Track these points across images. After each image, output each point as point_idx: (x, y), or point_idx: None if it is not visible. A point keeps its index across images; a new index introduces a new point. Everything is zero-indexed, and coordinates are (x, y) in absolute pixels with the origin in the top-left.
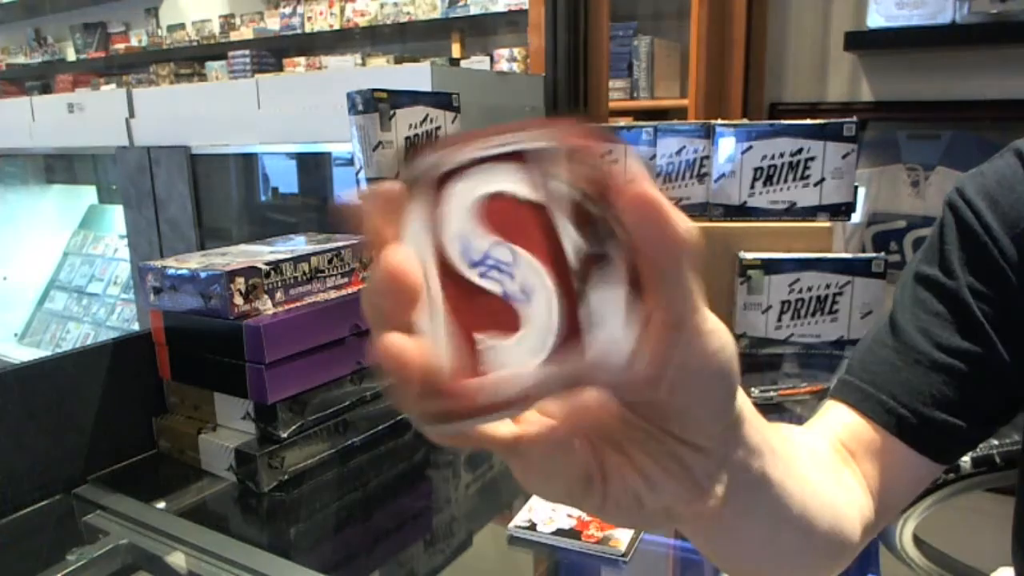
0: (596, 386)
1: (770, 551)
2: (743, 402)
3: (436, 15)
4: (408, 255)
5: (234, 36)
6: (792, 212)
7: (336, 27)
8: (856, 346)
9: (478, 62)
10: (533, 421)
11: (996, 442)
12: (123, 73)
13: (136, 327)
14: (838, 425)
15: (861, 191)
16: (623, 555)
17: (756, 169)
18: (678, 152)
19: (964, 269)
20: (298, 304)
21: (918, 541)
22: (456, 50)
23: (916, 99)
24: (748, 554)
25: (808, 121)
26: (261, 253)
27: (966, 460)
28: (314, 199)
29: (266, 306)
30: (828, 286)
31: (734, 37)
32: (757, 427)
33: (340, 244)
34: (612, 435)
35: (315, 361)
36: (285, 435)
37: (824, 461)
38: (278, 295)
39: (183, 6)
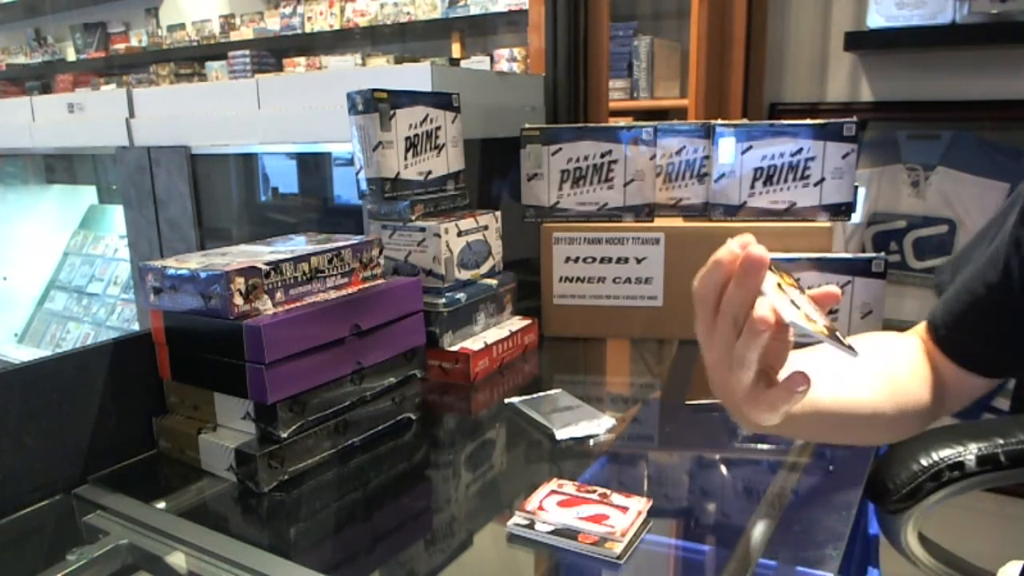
0: None
1: (841, 436)
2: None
3: (436, 15)
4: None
5: (234, 36)
6: (792, 212)
7: (336, 27)
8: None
9: (478, 62)
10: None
11: (1001, 441)
12: (123, 73)
13: (136, 327)
14: (921, 329)
15: (861, 191)
16: (617, 557)
17: (756, 169)
18: (678, 152)
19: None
20: (298, 304)
21: (923, 539)
22: (456, 50)
23: (916, 99)
24: (823, 435)
25: (808, 121)
26: (261, 253)
27: (971, 459)
28: (314, 199)
29: (266, 306)
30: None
31: (734, 37)
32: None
33: (340, 244)
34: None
35: (315, 361)
36: (285, 435)
37: (900, 362)
38: (278, 295)
39: (183, 6)
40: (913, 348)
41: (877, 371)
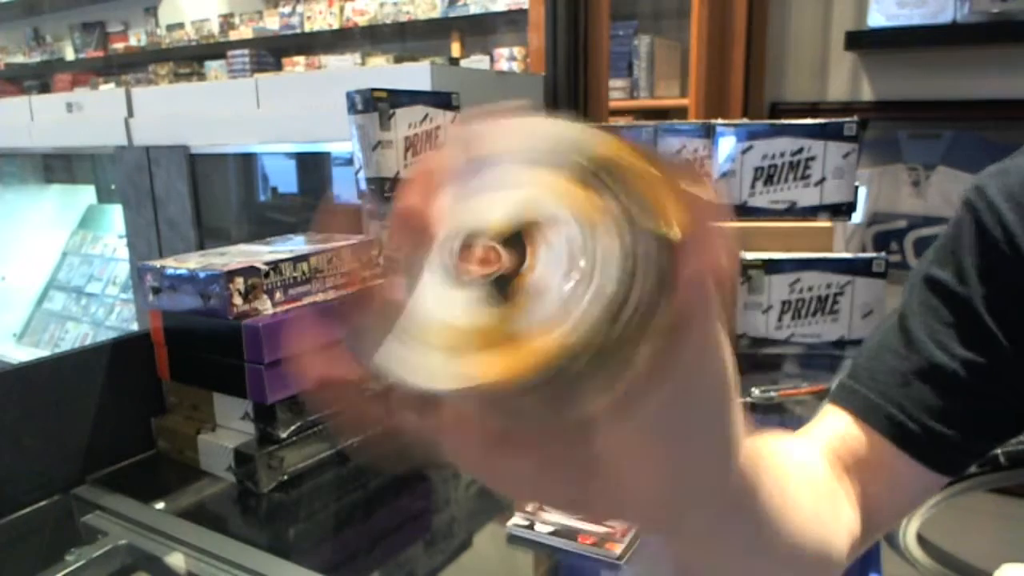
0: None
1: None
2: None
3: (436, 14)
4: None
5: (233, 35)
6: (793, 212)
7: (335, 27)
8: (861, 347)
9: (478, 61)
10: None
11: None
12: (122, 72)
13: (135, 327)
14: (836, 434)
15: (862, 191)
16: (618, 558)
17: (756, 169)
18: (678, 152)
19: (979, 277)
20: (297, 304)
21: (921, 540)
22: (456, 49)
23: (917, 99)
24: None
25: (809, 121)
26: (260, 253)
27: None
28: (314, 199)
29: (265, 306)
30: (829, 286)
31: (735, 36)
32: (749, 462)
33: (340, 244)
34: None
35: None
36: (284, 435)
37: (818, 482)
38: (277, 295)
39: (182, 5)
40: (825, 477)
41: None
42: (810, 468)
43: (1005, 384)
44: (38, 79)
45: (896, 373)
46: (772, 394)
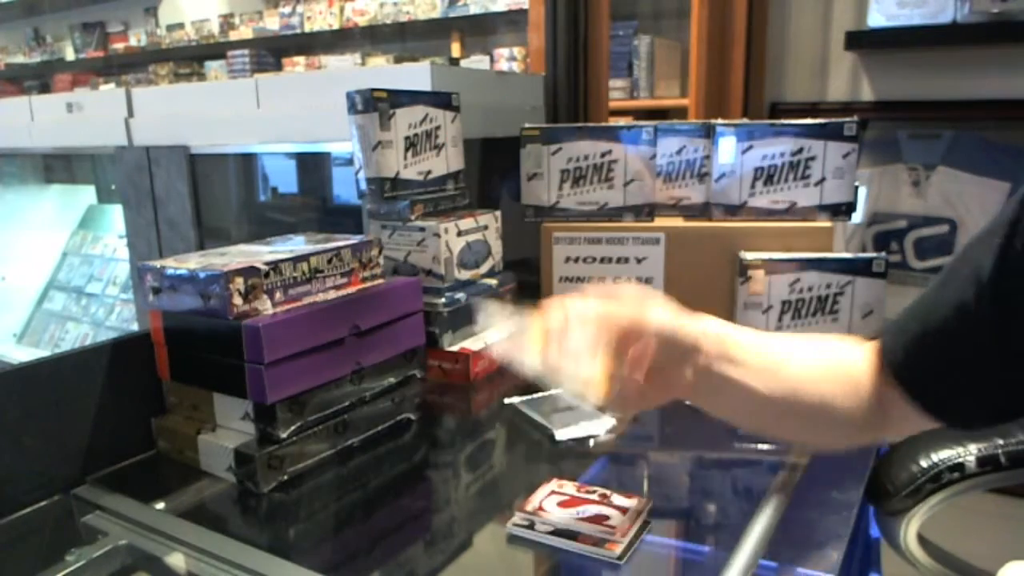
0: None
1: (754, 420)
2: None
3: (436, 15)
4: None
5: (233, 36)
6: (793, 212)
7: (335, 27)
8: None
9: (478, 61)
10: None
11: (1001, 441)
12: (122, 73)
13: (135, 327)
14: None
15: (862, 191)
16: (617, 558)
17: (756, 169)
18: (678, 152)
19: (1007, 265)
20: (297, 304)
21: (922, 540)
22: (456, 49)
23: (917, 99)
24: (735, 418)
25: (809, 121)
26: (260, 253)
27: (971, 460)
28: (314, 199)
29: (265, 306)
30: (829, 286)
31: (734, 36)
32: (719, 344)
33: (339, 244)
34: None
35: (314, 361)
36: (284, 435)
37: (839, 361)
38: (277, 295)
39: (182, 5)
40: (861, 361)
41: (820, 359)
42: (837, 352)
43: (981, 361)
44: (38, 79)
45: (907, 332)
46: None
